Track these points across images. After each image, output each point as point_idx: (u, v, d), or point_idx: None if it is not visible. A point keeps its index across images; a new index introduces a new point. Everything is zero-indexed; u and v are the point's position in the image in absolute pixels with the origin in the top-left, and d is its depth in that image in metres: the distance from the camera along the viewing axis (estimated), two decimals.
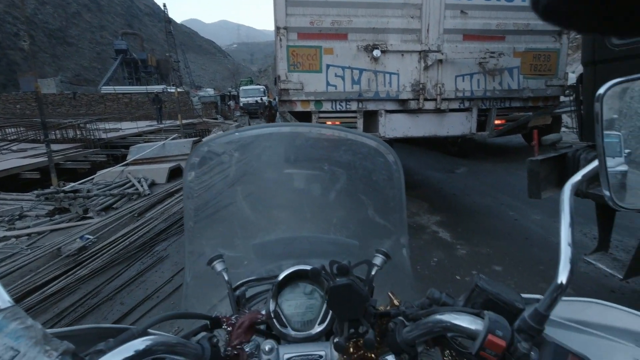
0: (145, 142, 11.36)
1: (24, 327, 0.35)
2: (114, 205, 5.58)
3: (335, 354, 0.56)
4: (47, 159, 7.47)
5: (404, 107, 4.13)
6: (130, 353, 0.39)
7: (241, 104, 27.20)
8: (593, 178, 0.58)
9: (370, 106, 4.08)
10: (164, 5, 54.38)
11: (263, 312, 0.62)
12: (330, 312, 0.61)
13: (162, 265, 3.58)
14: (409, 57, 3.99)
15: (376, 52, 3.85)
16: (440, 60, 3.98)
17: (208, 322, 0.57)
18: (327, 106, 3.99)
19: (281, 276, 0.64)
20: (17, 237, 4.51)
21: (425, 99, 4.03)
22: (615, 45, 2.12)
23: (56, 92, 30.63)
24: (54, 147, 9.29)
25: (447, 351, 0.49)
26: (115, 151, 11.98)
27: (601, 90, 0.63)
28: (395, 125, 4.16)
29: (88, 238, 4.05)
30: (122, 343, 0.41)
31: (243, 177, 0.97)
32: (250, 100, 25.94)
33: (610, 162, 0.72)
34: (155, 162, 8.12)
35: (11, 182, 8.01)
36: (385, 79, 3.99)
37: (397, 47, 3.94)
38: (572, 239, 0.44)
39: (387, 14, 3.88)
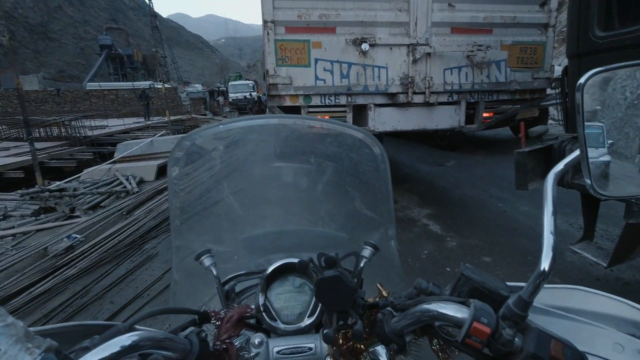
0: (133, 139, 11.16)
1: (3, 325, 0.34)
2: (102, 204, 5.49)
3: (325, 345, 0.57)
4: (30, 157, 7.30)
5: (393, 100, 4.14)
6: (117, 349, 0.38)
7: (230, 100, 26.97)
8: (578, 169, 0.59)
9: (360, 100, 4.08)
10: None
11: (252, 306, 0.62)
12: (320, 304, 0.61)
13: (152, 263, 3.56)
14: (397, 50, 3.99)
15: (364, 46, 3.84)
16: (429, 54, 3.99)
17: (196, 317, 0.56)
18: (316, 100, 3.98)
19: (269, 269, 0.64)
20: (1, 237, 4.40)
21: (414, 93, 4.04)
22: (599, 38, 2.15)
23: (39, 89, 29.81)
24: (39, 145, 9.08)
25: (435, 340, 0.49)
26: (102, 149, 11.76)
27: (582, 80, 0.63)
28: (385, 119, 4.17)
29: (75, 237, 3.99)
30: (107, 339, 0.40)
31: (229, 171, 0.96)
32: (240, 95, 25.71)
33: (593, 152, 0.74)
34: (143, 159, 8.00)
35: None
36: (374, 73, 3.99)
37: (386, 41, 3.93)
38: (555, 228, 0.45)
39: (375, 7, 3.87)
